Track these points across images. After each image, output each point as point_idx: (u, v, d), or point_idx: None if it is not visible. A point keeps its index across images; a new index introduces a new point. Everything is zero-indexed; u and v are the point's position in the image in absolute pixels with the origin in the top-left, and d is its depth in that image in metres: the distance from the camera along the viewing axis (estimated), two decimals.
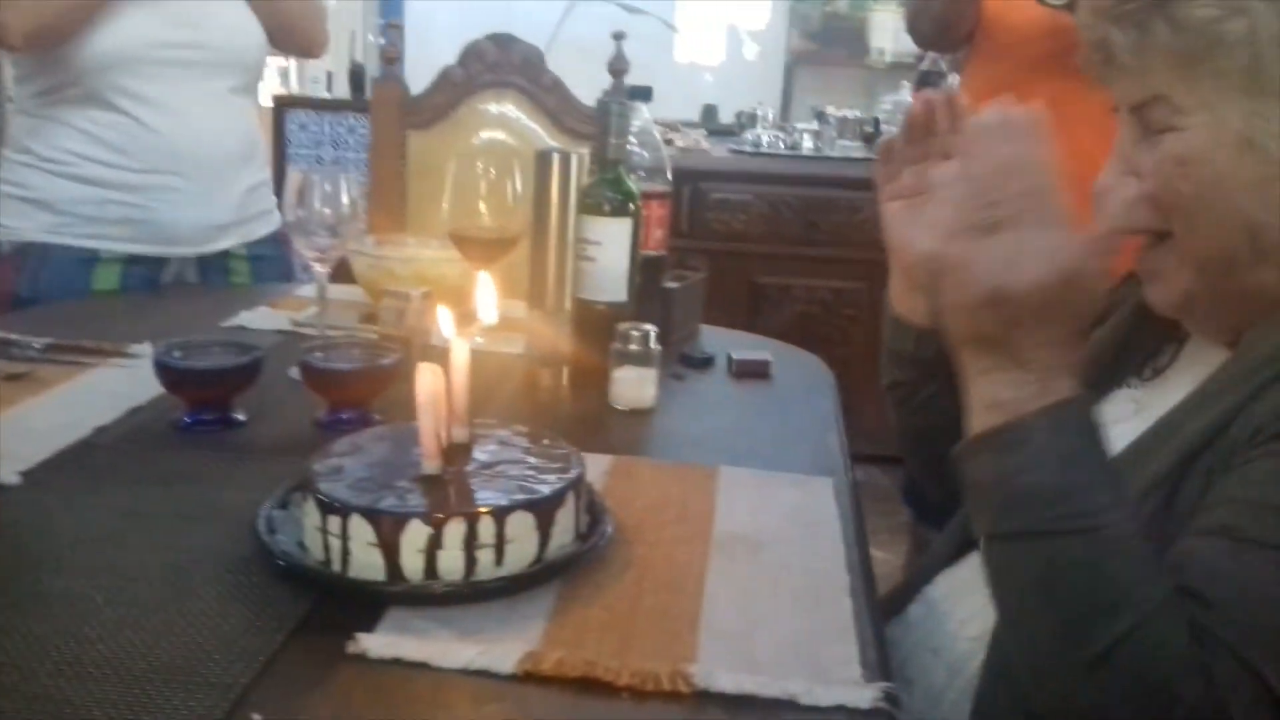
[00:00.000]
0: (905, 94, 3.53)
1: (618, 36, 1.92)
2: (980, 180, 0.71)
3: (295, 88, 4.09)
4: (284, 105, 3.66)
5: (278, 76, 4.02)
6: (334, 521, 0.78)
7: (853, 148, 3.38)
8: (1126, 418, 0.89)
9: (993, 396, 0.72)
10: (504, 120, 2.03)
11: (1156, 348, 0.91)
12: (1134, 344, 0.93)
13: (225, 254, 1.86)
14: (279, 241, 1.91)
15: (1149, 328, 0.90)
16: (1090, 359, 0.95)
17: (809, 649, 0.75)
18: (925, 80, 3.13)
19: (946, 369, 0.78)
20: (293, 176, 1.30)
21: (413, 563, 0.77)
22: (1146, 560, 0.68)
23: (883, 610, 0.92)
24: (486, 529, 0.78)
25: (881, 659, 0.77)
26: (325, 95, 4.04)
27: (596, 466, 1.01)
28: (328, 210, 1.26)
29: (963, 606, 0.92)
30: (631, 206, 1.31)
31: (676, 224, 2.89)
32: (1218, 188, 0.77)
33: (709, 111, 3.96)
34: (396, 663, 0.71)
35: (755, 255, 3.09)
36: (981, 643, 0.84)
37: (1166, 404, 0.84)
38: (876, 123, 3.58)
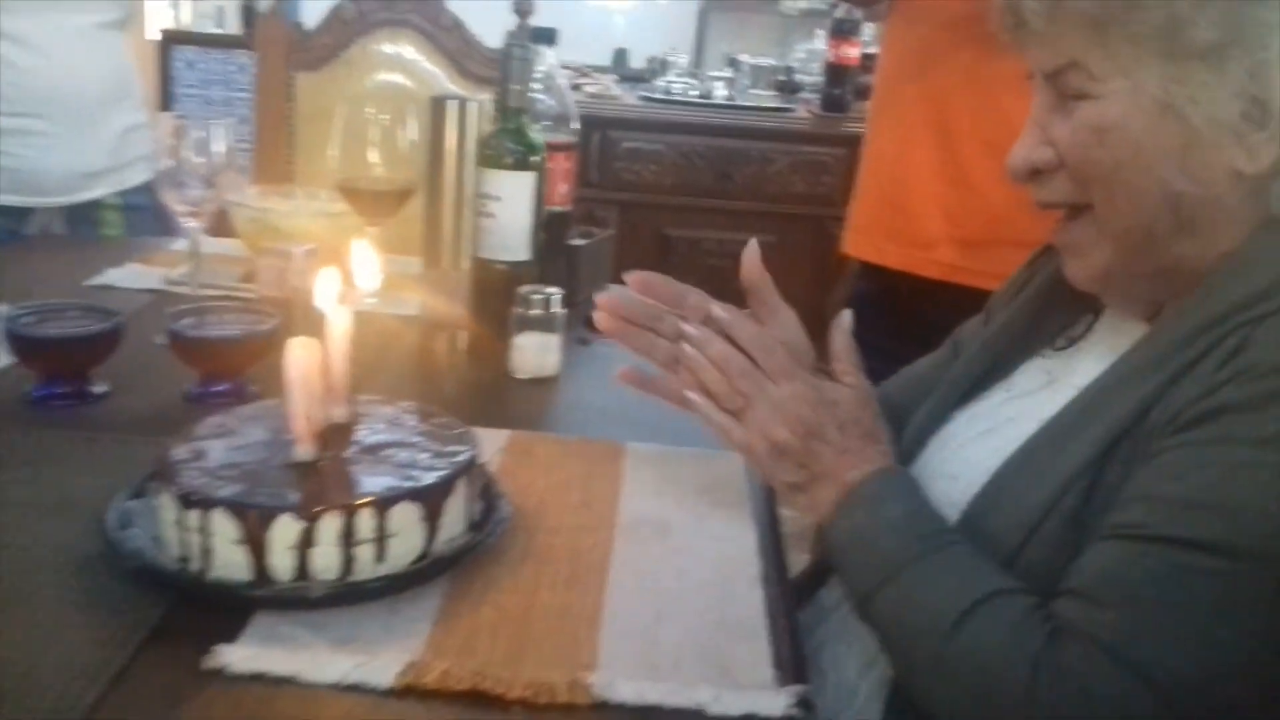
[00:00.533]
0: (819, 42, 3.46)
1: None
2: (717, 383, 0.86)
3: (187, 22, 3.87)
4: (172, 41, 3.46)
5: (169, 9, 3.80)
6: (193, 516, 0.70)
7: (766, 97, 3.32)
8: (1039, 388, 0.87)
9: (822, 518, 0.83)
10: (400, 62, 1.91)
11: (1072, 318, 0.89)
12: (1049, 314, 0.91)
13: (96, 204, 1.74)
14: (156, 190, 1.78)
15: (1065, 298, 0.87)
16: (1003, 329, 0.92)
17: (718, 648, 0.71)
18: (840, 29, 3.06)
19: None
20: (163, 121, 1.19)
21: (282, 562, 0.70)
22: (948, 575, 0.74)
23: (795, 595, 0.87)
24: (366, 523, 0.71)
25: (795, 655, 0.73)
26: (215, 31, 3.83)
27: (493, 443, 0.94)
28: (200, 159, 1.16)
29: None
30: (534, 159, 1.23)
31: (585, 174, 2.80)
32: (1136, 157, 0.73)
33: (620, 56, 3.85)
34: (261, 677, 0.64)
35: (666, 207, 3.02)
36: None
37: (1080, 374, 0.82)
38: (790, 71, 3.51)
